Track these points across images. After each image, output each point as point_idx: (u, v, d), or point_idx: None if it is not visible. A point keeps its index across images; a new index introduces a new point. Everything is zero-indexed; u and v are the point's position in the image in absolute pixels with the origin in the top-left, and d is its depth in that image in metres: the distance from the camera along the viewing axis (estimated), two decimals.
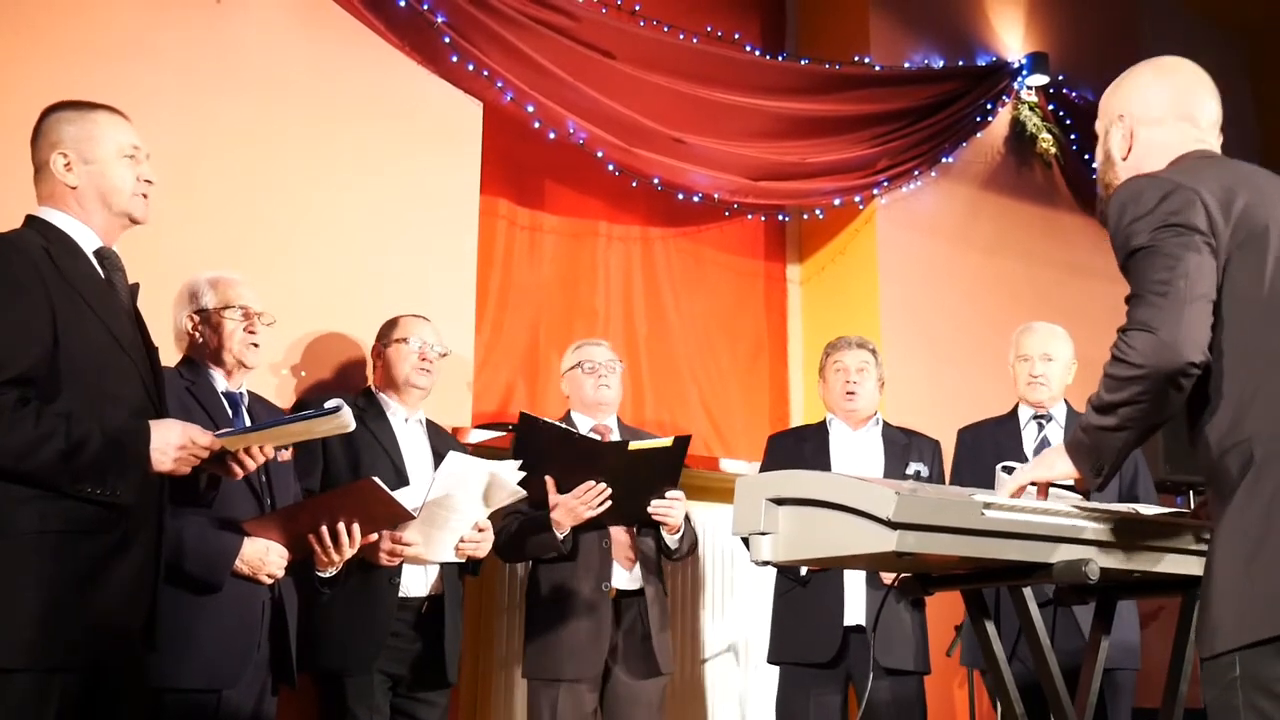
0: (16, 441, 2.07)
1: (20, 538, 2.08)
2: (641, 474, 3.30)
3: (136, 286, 2.39)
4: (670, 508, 3.37)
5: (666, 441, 3.34)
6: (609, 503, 3.26)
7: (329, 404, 2.41)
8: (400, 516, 2.81)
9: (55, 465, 2.09)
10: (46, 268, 2.19)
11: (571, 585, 3.37)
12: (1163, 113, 2.12)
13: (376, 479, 2.70)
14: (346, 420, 2.40)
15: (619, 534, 3.45)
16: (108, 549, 2.16)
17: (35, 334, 2.14)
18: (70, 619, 2.09)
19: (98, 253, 2.31)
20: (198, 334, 2.90)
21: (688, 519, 3.59)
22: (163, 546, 2.32)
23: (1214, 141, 2.13)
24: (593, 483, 3.23)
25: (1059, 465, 2.07)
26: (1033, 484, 2.14)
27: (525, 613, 3.52)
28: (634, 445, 3.33)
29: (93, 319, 2.22)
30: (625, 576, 3.44)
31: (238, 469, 2.40)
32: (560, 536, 3.29)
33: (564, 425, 3.38)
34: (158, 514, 2.29)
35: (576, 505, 3.24)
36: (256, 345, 2.92)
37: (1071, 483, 2.12)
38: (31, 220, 2.30)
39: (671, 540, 3.45)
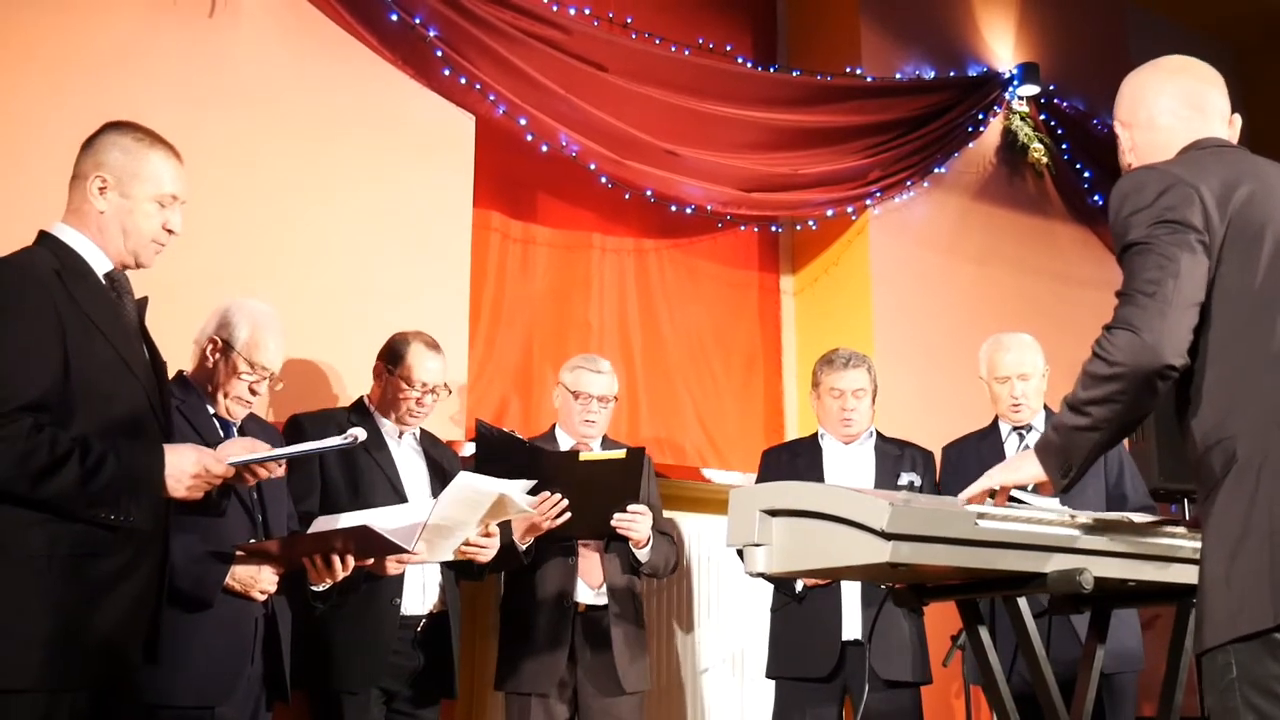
0: (33, 467, 2.07)
1: (29, 560, 2.08)
2: (599, 486, 3.27)
3: (145, 301, 2.39)
4: (633, 521, 3.33)
5: (620, 453, 3.32)
6: (568, 515, 3.23)
7: (351, 433, 2.42)
8: (397, 550, 2.79)
9: (71, 491, 2.09)
10: (57, 290, 2.19)
11: (536, 599, 3.38)
12: (1163, 113, 2.13)
13: (371, 524, 2.65)
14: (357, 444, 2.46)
15: (587, 550, 3.44)
16: (116, 571, 2.16)
17: (47, 359, 2.14)
18: (78, 640, 2.09)
19: (108, 275, 2.31)
20: (209, 360, 2.89)
21: (670, 537, 3.58)
22: (167, 565, 2.32)
23: (1224, 132, 2.14)
24: (547, 494, 3.20)
25: (1026, 468, 2.06)
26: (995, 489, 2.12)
27: (499, 627, 3.53)
28: (584, 456, 3.32)
29: (101, 341, 2.22)
30: (591, 593, 3.43)
31: (250, 479, 2.41)
32: (522, 548, 3.28)
33: (515, 435, 3.36)
34: (163, 536, 2.30)
35: (534, 516, 3.20)
36: (250, 404, 2.92)
37: (1033, 487, 2.11)
38: (45, 238, 2.29)
39: (640, 554, 3.43)
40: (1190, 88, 2.15)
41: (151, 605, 2.26)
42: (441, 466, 3.31)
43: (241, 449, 2.37)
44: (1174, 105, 2.13)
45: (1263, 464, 1.84)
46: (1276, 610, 1.76)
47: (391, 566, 2.96)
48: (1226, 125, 2.16)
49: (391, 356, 3.28)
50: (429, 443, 3.37)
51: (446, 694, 3.22)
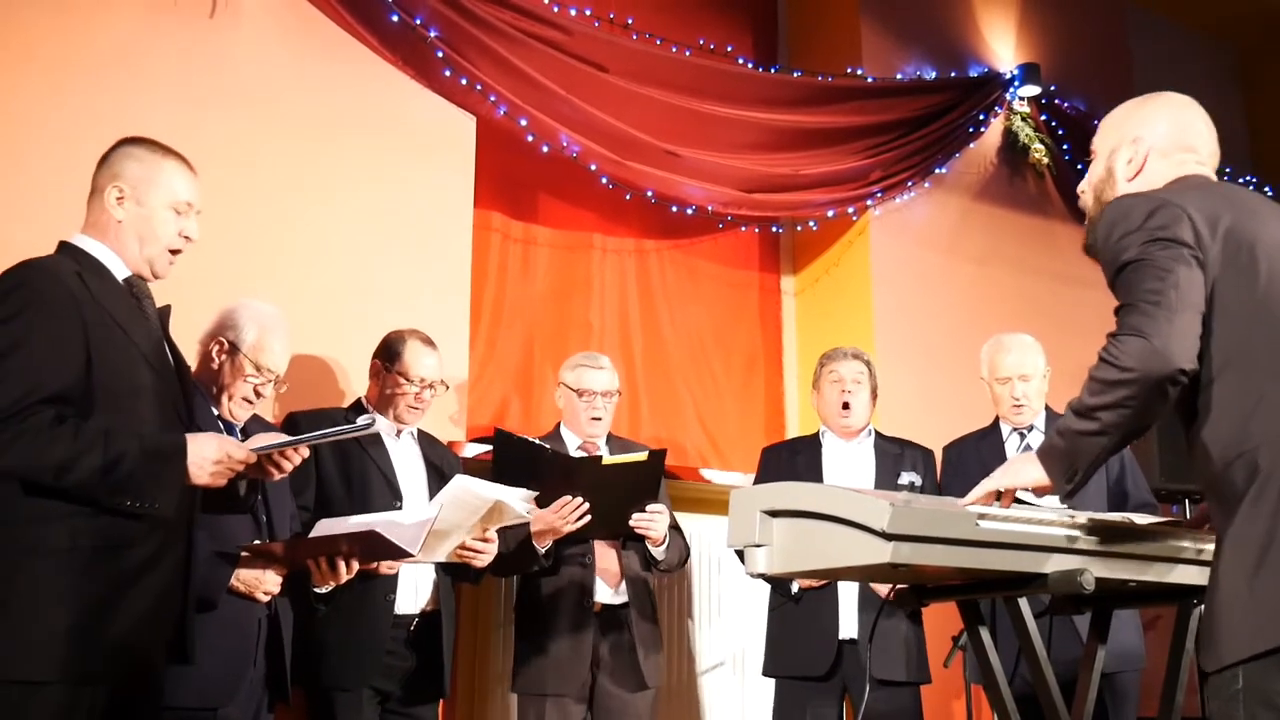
0: (56, 456, 2.09)
1: (52, 553, 2.10)
2: (619, 488, 3.30)
3: (168, 309, 2.42)
4: (651, 520, 3.36)
5: (641, 455, 3.35)
6: (588, 517, 3.25)
7: (362, 419, 2.44)
8: (402, 555, 2.79)
9: (94, 479, 2.11)
10: (79, 290, 2.22)
11: (556, 600, 3.38)
12: (1171, 145, 2.16)
13: (378, 528, 2.66)
14: (377, 431, 2.46)
15: (603, 549, 3.45)
16: (138, 564, 2.18)
17: (69, 354, 2.17)
18: (100, 633, 2.11)
19: (127, 280, 2.34)
20: (214, 361, 2.89)
21: (679, 530, 3.59)
22: (193, 560, 2.33)
23: (1211, 171, 2.18)
24: (569, 498, 3.22)
25: (1028, 471, 2.05)
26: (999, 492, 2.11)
27: (515, 628, 3.53)
28: (607, 460, 3.34)
29: (123, 340, 2.25)
30: (609, 592, 3.44)
31: (275, 472, 2.41)
32: (541, 551, 3.29)
33: (537, 441, 3.37)
34: (188, 528, 2.31)
35: (555, 520, 3.23)
36: (254, 405, 2.92)
37: (1032, 491, 2.11)
38: (65, 246, 2.33)
39: (657, 552, 3.45)
40: (1195, 126, 2.19)
41: (178, 602, 2.28)
42: (439, 467, 3.31)
43: (260, 442, 2.39)
44: (1181, 137, 2.17)
45: None
46: None
47: (384, 566, 2.97)
48: (1213, 165, 2.19)
49: (388, 354, 3.30)
50: (426, 443, 3.37)
51: (439, 693, 3.21)
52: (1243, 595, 1.81)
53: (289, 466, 2.42)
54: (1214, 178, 2.17)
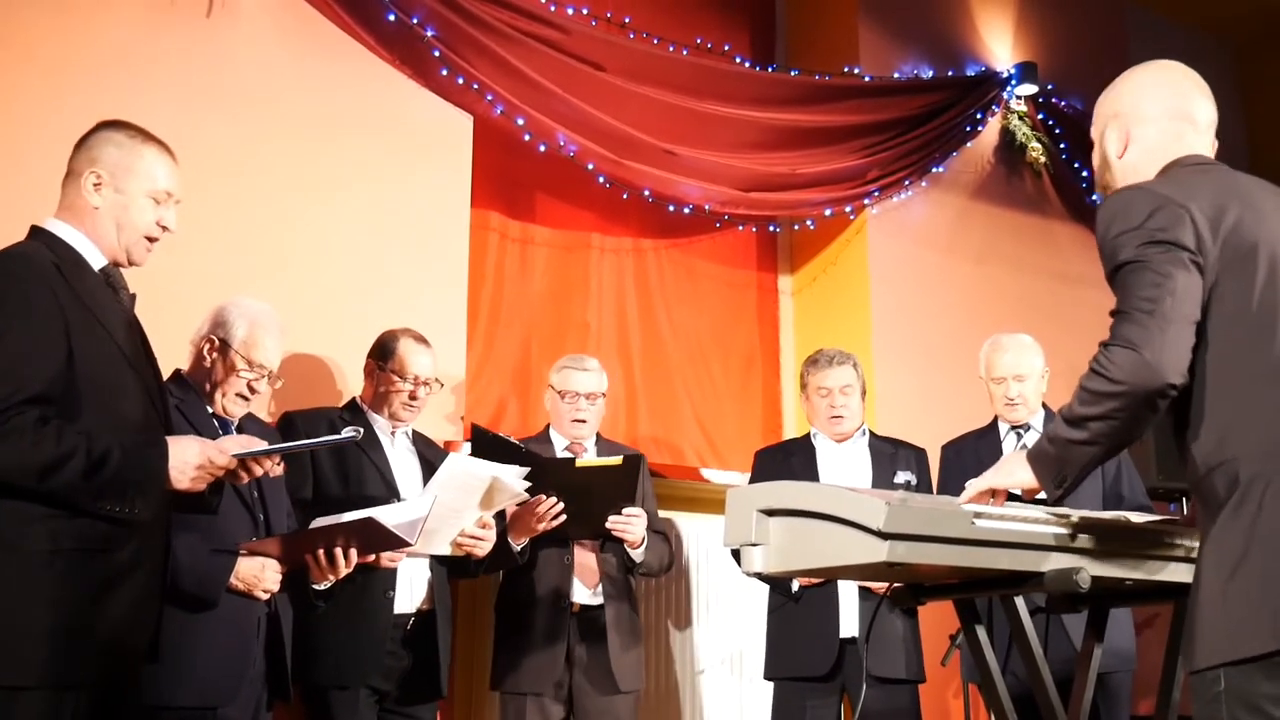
0: (39, 460, 2.06)
1: (32, 556, 2.07)
2: (595, 490, 3.32)
3: (133, 297, 2.38)
4: (628, 523, 3.38)
5: (616, 460, 3.37)
6: (563, 517, 3.27)
7: (346, 431, 2.43)
8: (400, 545, 2.80)
9: (77, 483, 2.08)
10: (57, 283, 2.18)
11: (534, 599, 3.40)
12: (1158, 111, 2.11)
13: (376, 517, 2.66)
14: (358, 438, 2.47)
15: (583, 549, 3.47)
16: (119, 567, 2.15)
17: (51, 352, 2.13)
18: (82, 637, 2.09)
19: (104, 270, 2.31)
20: (206, 359, 2.89)
21: (664, 535, 3.60)
22: (168, 562, 2.32)
23: (1209, 144, 2.13)
24: (543, 496, 3.23)
25: (1018, 473, 2.05)
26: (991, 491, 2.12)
27: (495, 626, 3.54)
28: (580, 463, 3.37)
29: (102, 334, 2.21)
30: (587, 593, 3.45)
31: (244, 475, 2.39)
32: (517, 548, 3.30)
33: (513, 440, 3.38)
34: (165, 530, 2.30)
35: (528, 518, 3.25)
36: (248, 402, 2.92)
37: (1020, 492, 2.11)
38: (38, 233, 2.28)
39: (635, 555, 3.46)
40: (1183, 89, 2.14)
41: (154, 602, 2.26)
42: (435, 466, 3.31)
43: (240, 445, 2.37)
44: (1166, 102, 2.12)
45: (1266, 487, 1.82)
46: (1277, 634, 1.74)
47: (384, 559, 2.97)
48: (1212, 133, 2.15)
49: (381, 352, 3.31)
50: (422, 443, 3.39)
51: (435, 693, 3.21)
52: (1217, 601, 1.82)
53: (259, 471, 2.40)
54: (1210, 153, 2.12)
